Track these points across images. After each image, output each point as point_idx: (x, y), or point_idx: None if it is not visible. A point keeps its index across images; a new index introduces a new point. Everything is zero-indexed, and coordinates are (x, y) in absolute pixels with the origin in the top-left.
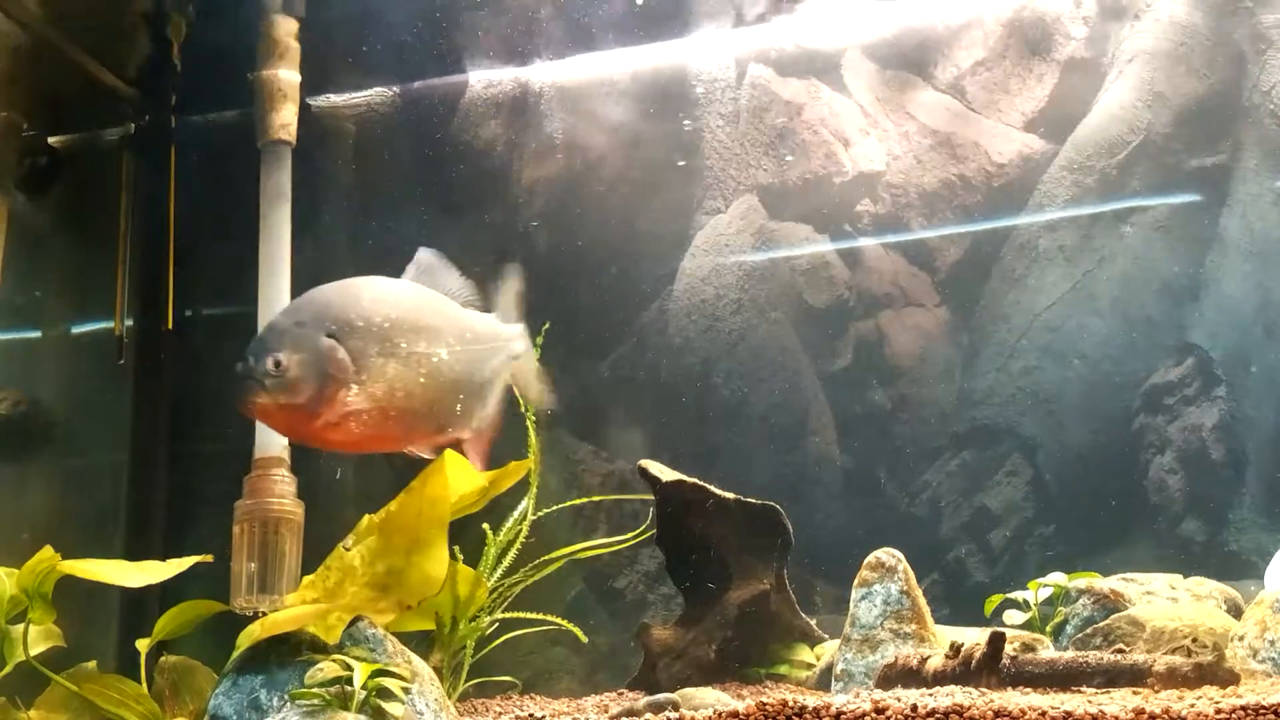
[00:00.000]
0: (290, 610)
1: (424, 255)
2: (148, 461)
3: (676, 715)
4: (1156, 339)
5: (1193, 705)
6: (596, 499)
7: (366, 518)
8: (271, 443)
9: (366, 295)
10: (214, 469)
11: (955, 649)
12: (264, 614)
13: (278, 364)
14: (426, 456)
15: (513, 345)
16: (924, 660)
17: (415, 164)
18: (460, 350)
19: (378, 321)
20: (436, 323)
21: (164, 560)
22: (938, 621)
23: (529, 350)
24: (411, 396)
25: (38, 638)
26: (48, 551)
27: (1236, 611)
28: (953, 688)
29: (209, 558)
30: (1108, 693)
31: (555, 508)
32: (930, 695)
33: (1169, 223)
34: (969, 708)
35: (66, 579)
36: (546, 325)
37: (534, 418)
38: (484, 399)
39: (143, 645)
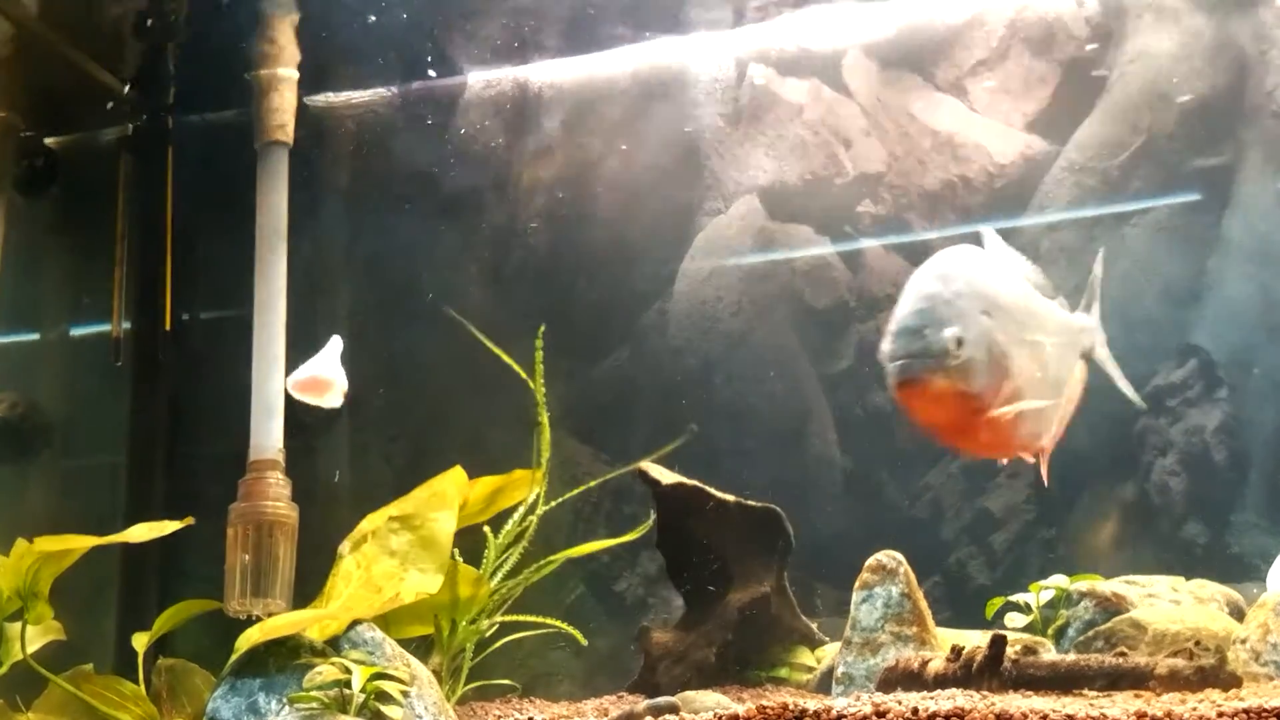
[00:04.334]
0: (288, 614)
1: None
2: (145, 463)
3: (676, 718)
4: (1159, 341)
5: (1195, 708)
6: (593, 484)
7: (368, 519)
8: (266, 445)
9: (998, 271)
10: (211, 470)
11: (956, 652)
12: (257, 617)
13: (959, 342)
14: (1028, 459)
15: (1082, 339)
16: (925, 663)
17: (413, 164)
18: (1055, 342)
19: (1015, 302)
20: (1039, 308)
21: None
22: (939, 624)
23: (1102, 348)
24: (1036, 388)
25: (36, 635)
26: (22, 545)
27: (1239, 614)
28: (954, 691)
29: (190, 520)
30: (1110, 696)
31: (554, 502)
32: (931, 698)
33: (1171, 224)
34: (970, 711)
35: (66, 580)
36: (542, 328)
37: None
38: (1060, 401)
39: (139, 642)
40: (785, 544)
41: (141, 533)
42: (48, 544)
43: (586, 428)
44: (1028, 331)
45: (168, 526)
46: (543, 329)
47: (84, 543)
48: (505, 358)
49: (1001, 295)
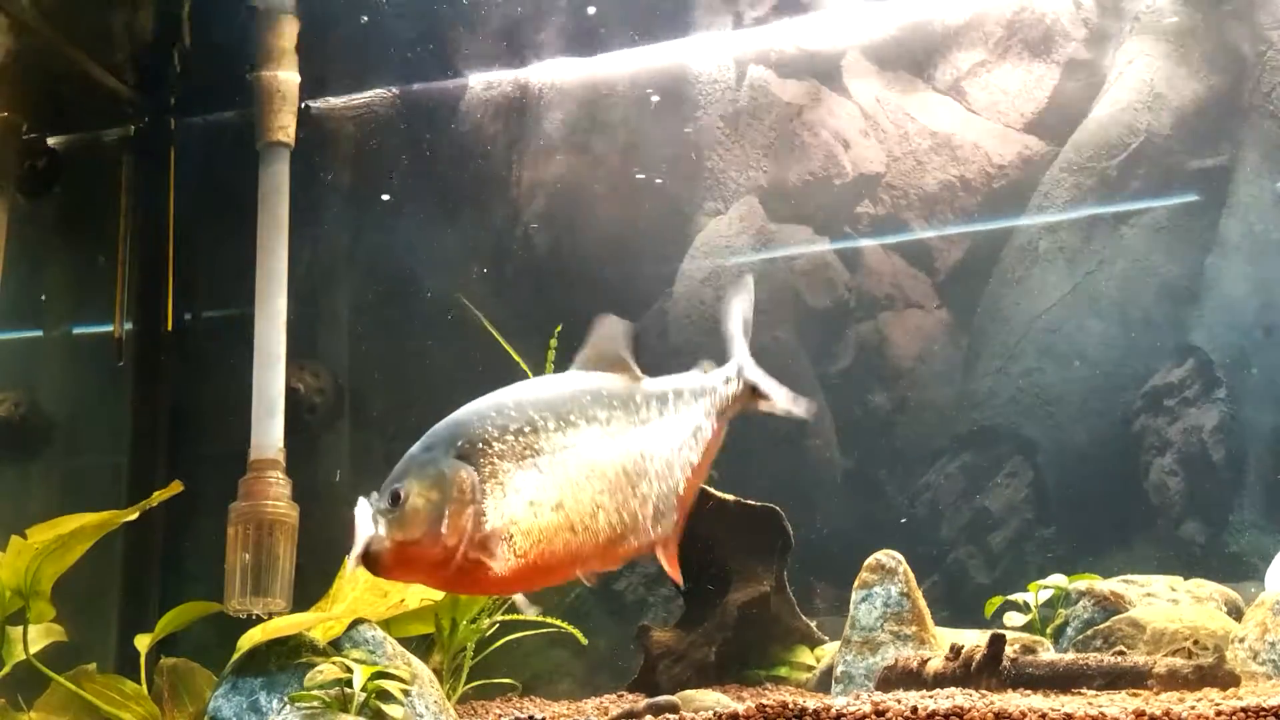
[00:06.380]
0: (291, 615)
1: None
2: (146, 462)
3: (676, 717)
4: (1156, 341)
5: (1193, 707)
6: None
7: None
8: (266, 445)
9: (512, 399)
10: (212, 470)
11: (955, 651)
12: (258, 616)
13: (395, 497)
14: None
15: (716, 396)
16: (924, 662)
17: (413, 165)
18: (623, 436)
19: (517, 427)
20: (588, 408)
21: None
22: (938, 623)
23: (746, 381)
24: (561, 508)
25: (38, 636)
26: (18, 542)
27: (1237, 613)
28: (953, 690)
29: (178, 486)
30: (1108, 694)
31: None
32: (930, 697)
33: (1169, 224)
34: (969, 709)
35: (68, 580)
36: (559, 328)
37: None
38: (677, 486)
39: (142, 643)
40: (785, 543)
41: (132, 511)
42: (41, 533)
43: None
44: (553, 444)
45: (156, 498)
46: (559, 329)
47: (74, 524)
48: (515, 355)
49: (502, 424)
